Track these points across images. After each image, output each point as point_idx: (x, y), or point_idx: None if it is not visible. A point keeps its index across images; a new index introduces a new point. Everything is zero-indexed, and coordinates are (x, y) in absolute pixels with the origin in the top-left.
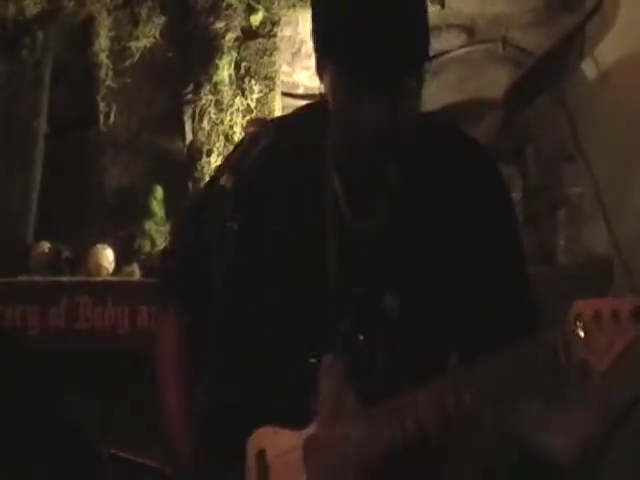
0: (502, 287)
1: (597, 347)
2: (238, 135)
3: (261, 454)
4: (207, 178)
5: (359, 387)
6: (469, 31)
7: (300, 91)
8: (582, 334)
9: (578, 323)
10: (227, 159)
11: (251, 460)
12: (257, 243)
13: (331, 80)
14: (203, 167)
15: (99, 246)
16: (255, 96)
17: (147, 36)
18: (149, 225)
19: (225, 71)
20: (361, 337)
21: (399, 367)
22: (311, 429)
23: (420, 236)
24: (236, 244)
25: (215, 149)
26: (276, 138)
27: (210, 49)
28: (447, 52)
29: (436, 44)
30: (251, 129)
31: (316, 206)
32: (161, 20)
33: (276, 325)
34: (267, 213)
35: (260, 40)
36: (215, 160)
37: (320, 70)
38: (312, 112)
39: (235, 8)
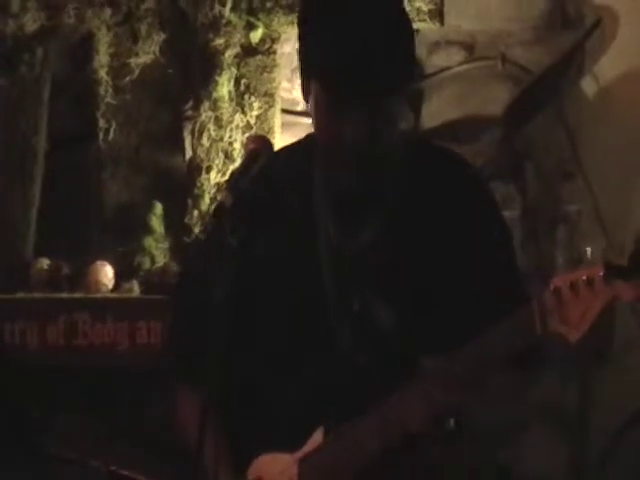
0: (496, 294)
1: (573, 317)
2: (238, 152)
3: None
4: (206, 195)
5: (359, 398)
6: (469, 48)
7: (300, 108)
8: (558, 306)
9: (554, 296)
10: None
11: None
12: (254, 263)
13: (315, 98)
14: (203, 184)
15: (98, 263)
16: (255, 113)
17: (147, 52)
18: (148, 242)
19: (225, 88)
20: (361, 356)
21: (397, 377)
22: (306, 448)
23: (408, 250)
24: (236, 262)
25: (215, 166)
26: (274, 160)
27: (210, 66)
28: (446, 69)
29: (435, 60)
30: (251, 146)
31: (308, 226)
32: (161, 37)
33: (274, 345)
34: (263, 233)
35: (260, 57)
36: (215, 177)
37: (305, 89)
38: (309, 139)
39: (235, 25)
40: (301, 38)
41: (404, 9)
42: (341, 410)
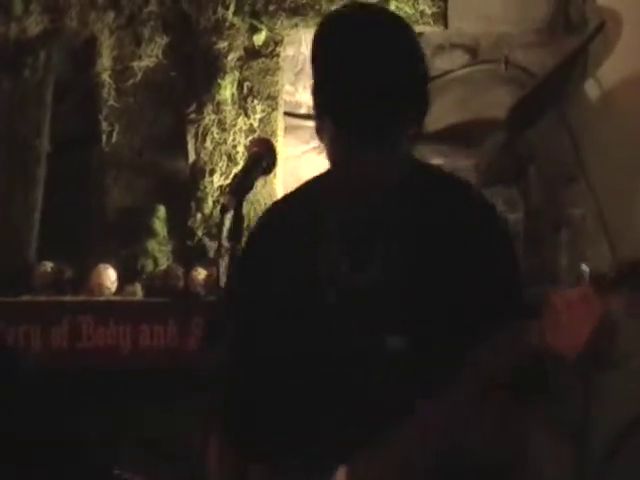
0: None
1: (570, 335)
2: (241, 155)
3: None
4: (209, 198)
5: (368, 426)
6: (472, 51)
7: (303, 110)
8: (556, 325)
9: (551, 313)
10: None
11: None
12: (265, 305)
13: (329, 133)
14: (206, 187)
15: (101, 266)
16: (258, 116)
17: (150, 56)
18: (152, 245)
19: (228, 91)
20: (375, 390)
21: (405, 408)
22: None
23: (418, 284)
24: (245, 298)
25: (218, 169)
26: (284, 202)
27: (213, 69)
28: (450, 72)
29: (439, 64)
30: (254, 149)
31: (316, 257)
32: (164, 40)
33: (287, 384)
34: (273, 273)
35: (263, 60)
36: (218, 180)
37: (319, 125)
38: (317, 180)
39: (238, 28)
40: (314, 76)
41: (414, 47)
42: (356, 444)
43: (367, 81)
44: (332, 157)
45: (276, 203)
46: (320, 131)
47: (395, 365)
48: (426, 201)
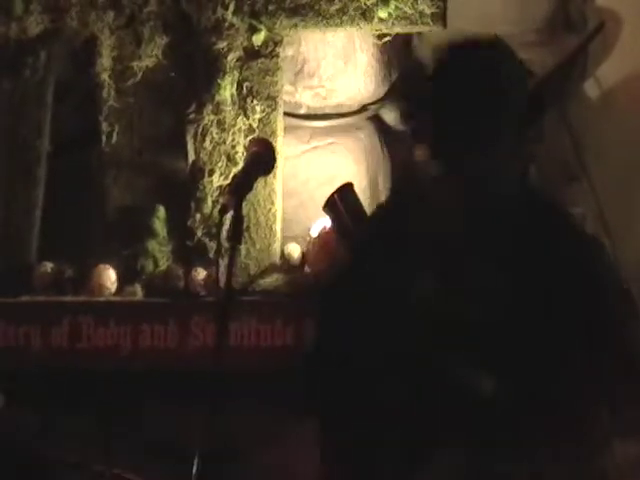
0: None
1: None
2: (240, 155)
3: None
4: (209, 198)
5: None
6: None
7: (302, 111)
8: None
9: None
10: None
11: None
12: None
13: (427, 157)
14: (205, 187)
15: (102, 266)
16: (257, 116)
17: (150, 56)
18: (152, 245)
19: (227, 91)
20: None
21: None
22: None
23: (511, 311)
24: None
25: (217, 169)
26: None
27: (212, 69)
28: None
29: None
30: (253, 149)
31: (410, 279)
32: (164, 40)
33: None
34: (373, 285)
35: (262, 60)
36: (217, 180)
37: (426, 147)
38: (414, 190)
39: (237, 28)
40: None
41: (524, 82)
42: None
43: (476, 114)
44: (435, 173)
45: (380, 209)
46: (424, 148)
47: (484, 403)
48: (528, 230)
